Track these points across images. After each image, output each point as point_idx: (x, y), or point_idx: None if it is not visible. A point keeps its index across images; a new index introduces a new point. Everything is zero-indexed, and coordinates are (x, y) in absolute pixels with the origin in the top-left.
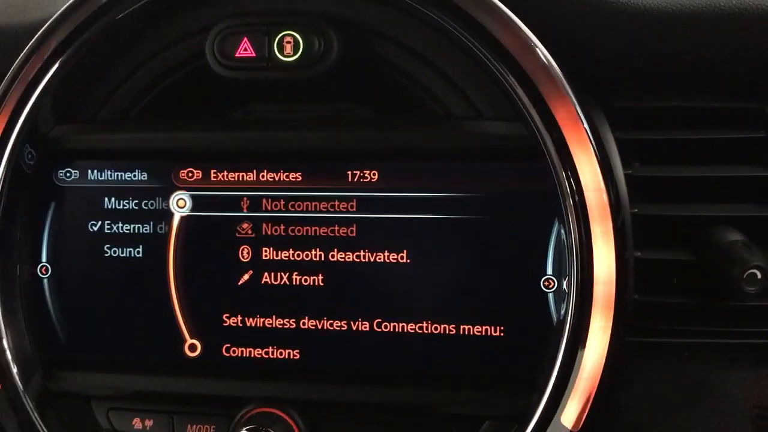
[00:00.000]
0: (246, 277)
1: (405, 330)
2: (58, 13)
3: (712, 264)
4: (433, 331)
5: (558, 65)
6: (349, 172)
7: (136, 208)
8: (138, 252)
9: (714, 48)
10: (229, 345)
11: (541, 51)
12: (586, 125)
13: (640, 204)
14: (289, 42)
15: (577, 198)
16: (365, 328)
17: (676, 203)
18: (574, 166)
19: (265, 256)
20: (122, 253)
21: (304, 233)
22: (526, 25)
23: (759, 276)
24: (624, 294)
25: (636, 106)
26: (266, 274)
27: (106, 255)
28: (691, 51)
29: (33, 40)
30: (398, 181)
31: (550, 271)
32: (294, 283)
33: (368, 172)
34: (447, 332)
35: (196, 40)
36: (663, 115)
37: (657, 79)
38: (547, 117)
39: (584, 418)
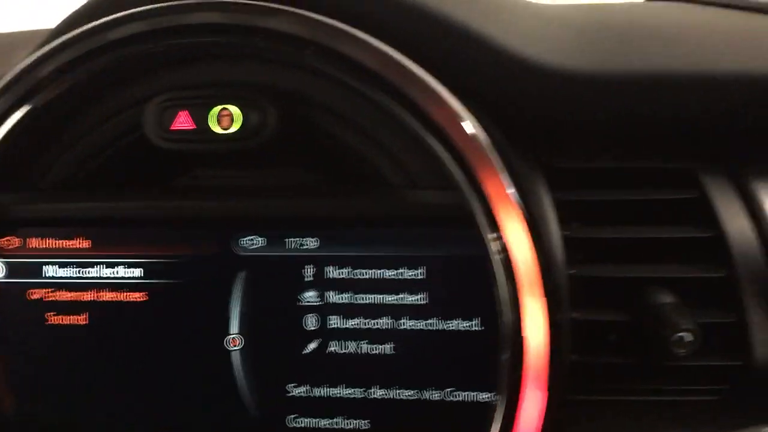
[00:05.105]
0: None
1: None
2: None
3: (645, 325)
4: None
5: (487, 135)
6: (287, 240)
7: (76, 275)
8: (84, 320)
9: (647, 111)
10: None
11: (469, 122)
12: (512, 192)
13: (579, 265)
14: (226, 115)
15: (505, 263)
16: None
17: (614, 264)
18: (502, 233)
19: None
20: (63, 321)
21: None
22: (460, 91)
23: (688, 339)
24: (558, 357)
25: (575, 167)
26: None
27: (48, 323)
28: (625, 114)
29: None
30: (338, 248)
31: None
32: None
33: (309, 239)
34: None
35: (135, 111)
36: (602, 175)
37: (595, 140)
38: (474, 186)
39: None
